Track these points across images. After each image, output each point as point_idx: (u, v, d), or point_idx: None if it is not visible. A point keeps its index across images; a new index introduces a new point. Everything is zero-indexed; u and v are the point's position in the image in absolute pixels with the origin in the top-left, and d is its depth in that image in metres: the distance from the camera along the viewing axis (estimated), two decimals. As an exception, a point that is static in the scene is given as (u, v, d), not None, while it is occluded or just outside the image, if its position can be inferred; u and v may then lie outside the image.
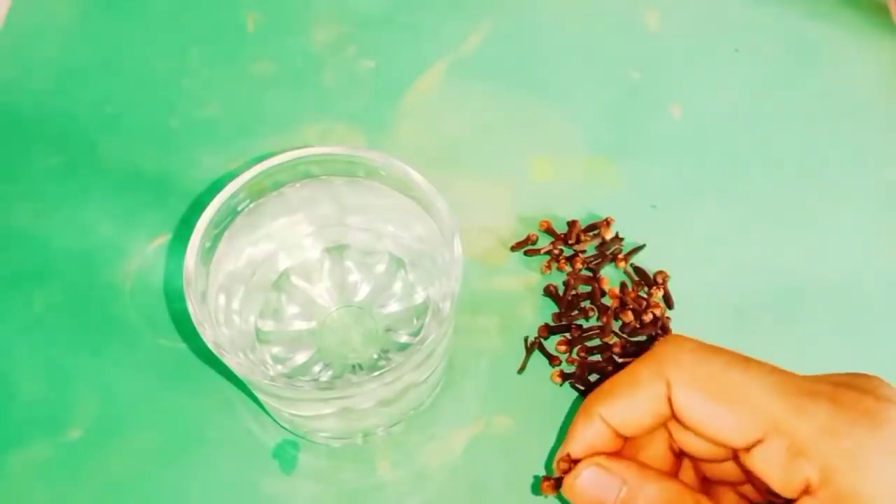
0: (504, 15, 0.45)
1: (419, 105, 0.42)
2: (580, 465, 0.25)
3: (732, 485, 0.27)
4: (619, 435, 0.26)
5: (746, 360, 0.24)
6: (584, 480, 0.25)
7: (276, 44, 0.43)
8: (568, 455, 0.26)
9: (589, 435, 0.26)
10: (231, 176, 0.30)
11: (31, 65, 0.43)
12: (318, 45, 0.43)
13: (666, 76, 0.43)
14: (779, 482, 0.23)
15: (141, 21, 0.44)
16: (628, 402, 0.25)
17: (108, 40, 0.43)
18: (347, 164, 0.30)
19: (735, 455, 0.25)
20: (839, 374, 0.24)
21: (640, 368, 0.25)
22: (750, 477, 0.26)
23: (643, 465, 0.25)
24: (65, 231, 0.38)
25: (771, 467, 0.23)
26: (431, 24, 0.44)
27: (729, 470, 0.27)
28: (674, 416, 0.25)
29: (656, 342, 0.26)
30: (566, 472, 0.26)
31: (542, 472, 0.33)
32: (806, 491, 0.22)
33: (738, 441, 0.23)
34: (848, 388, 0.23)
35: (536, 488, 0.32)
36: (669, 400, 0.25)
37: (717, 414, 0.24)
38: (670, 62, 0.43)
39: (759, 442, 0.23)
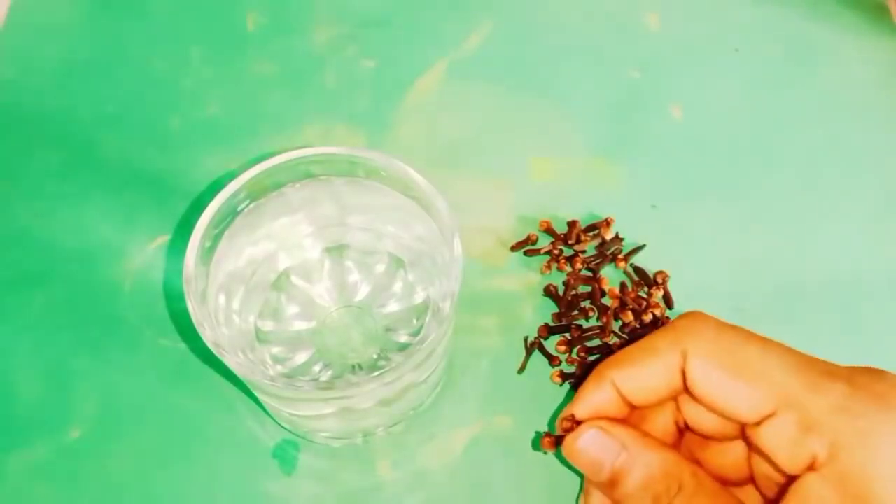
0: (504, 15, 0.45)
1: (419, 105, 0.42)
2: (582, 426, 0.26)
3: (731, 484, 0.27)
4: (627, 403, 0.26)
5: (765, 339, 0.24)
6: (584, 441, 0.25)
7: (277, 44, 0.43)
8: (572, 415, 0.26)
9: (597, 398, 0.26)
10: (231, 176, 0.30)
11: (32, 64, 0.43)
12: (318, 45, 0.43)
13: (666, 76, 0.43)
14: (785, 457, 0.23)
15: (141, 21, 0.44)
16: (642, 370, 0.25)
17: (108, 40, 0.43)
18: (348, 164, 0.30)
19: (741, 433, 0.25)
20: (853, 366, 0.24)
21: (658, 338, 0.26)
22: (752, 460, 0.26)
23: (645, 433, 0.25)
24: (65, 231, 0.38)
25: (779, 442, 0.23)
26: (431, 24, 0.44)
27: (728, 463, 0.27)
28: (686, 390, 0.25)
29: (676, 318, 0.26)
30: (568, 431, 0.26)
31: (542, 472, 0.33)
32: (811, 467, 0.22)
33: (750, 415, 0.24)
34: (863, 373, 0.23)
35: (537, 487, 0.32)
36: (683, 373, 0.25)
37: (733, 386, 0.24)
38: (670, 62, 0.43)
39: (770, 416, 0.23)
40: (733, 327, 0.25)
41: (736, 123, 0.41)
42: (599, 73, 0.43)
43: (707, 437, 0.27)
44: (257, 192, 0.30)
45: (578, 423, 0.26)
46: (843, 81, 0.43)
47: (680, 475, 0.24)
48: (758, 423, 0.23)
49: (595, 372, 0.27)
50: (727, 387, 0.24)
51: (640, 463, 0.24)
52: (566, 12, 0.45)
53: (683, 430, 0.28)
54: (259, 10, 0.44)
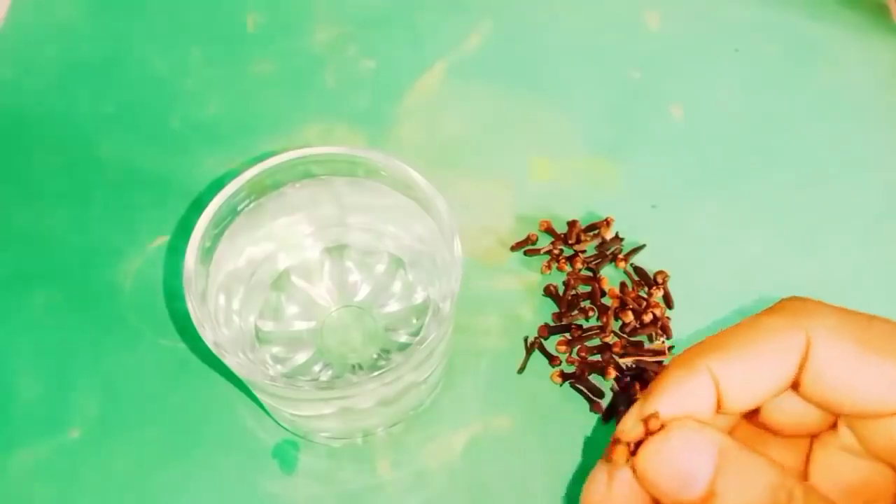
0: (504, 15, 0.45)
1: (419, 105, 0.42)
2: (671, 427, 0.19)
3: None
4: (718, 403, 0.21)
5: (883, 318, 0.20)
6: (675, 446, 0.19)
7: (277, 44, 0.43)
8: (657, 413, 0.20)
9: (687, 393, 0.20)
10: (231, 175, 0.30)
11: (31, 64, 0.43)
12: (318, 45, 0.43)
13: (666, 76, 0.43)
14: None
15: (141, 21, 0.44)
16: (752, 357, 0.20)
17: (108, 40, 0.43)
18: (348, 164, 0.30)
19: (832, 425, 0.21)
20: None
21: (767, 319, 0.21)
22: (813, 462, 0.22)
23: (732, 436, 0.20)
24: (65, 231, 0.38)
25: None
26: (431, 24, 0.44)
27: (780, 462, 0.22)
28: (795, 385, 0.21)
29: (777, 303, 0.21)
30: (652, 433, 0.19)
31: (541, 472, 0.33)
32: None
33: (892, 402, 0.19)
34: None
35: (536, 487, 0.32)
36: (802, 363, 0.20)
37: (872, 368, 0.19)
38: (670, 62, 0.43)
39: None
40: (846, 309, 0.21)
41: (736, 123, 0.41)
42: (599, 73, 0.43)
43: (773, 432, 0.23)
44: (257, 192, 0.30)
45: (663, 424, 0.20)
46: (844, 81, 0.43)
47: (787, 486, 0.19)
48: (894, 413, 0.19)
49: (681, 360, 0.21)
50: (864, 369, 0.19)
51: (742, 475, 0.19)
52: (566, 12, 0.45)
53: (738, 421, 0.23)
54: (259, 11, 0.44)
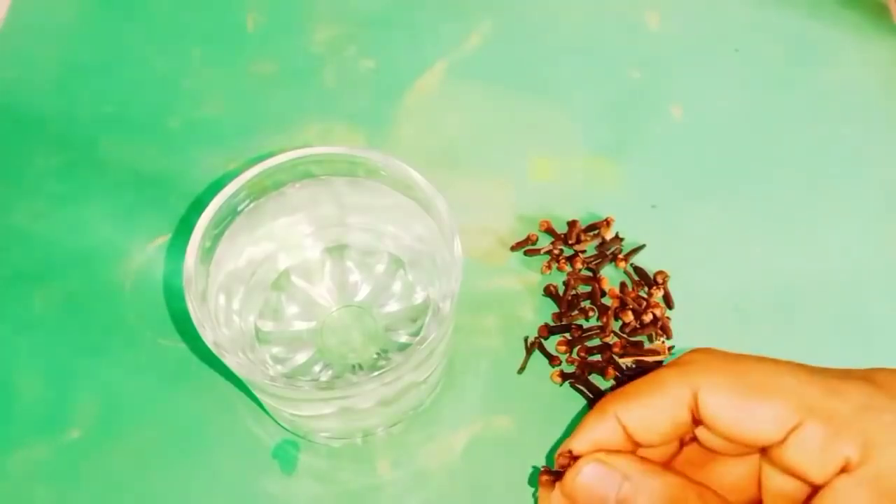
0: (504, 15, 0.45)
1: (419, 105, 0.42)
2: (581, 461, 0.25)
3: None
4: (630, 439, 0.25)
5: (772, 359, 0.24)
6: (584, 476, 0.24)
7: (276, 44, 0.43)
8: (569, 451, 0.26)
9: (599, 433, 0.25)
10: (231, 176, 0.30)
11: (31, 64, 0.43)
12: (318, 45, 0.43)
13: (666, 76, 0.43)
14: (816, 467, 0.22)
15: (141, 21, 0.44)
16: (649, 405, 0.25)
17: (108, 40, 0.43)
18: (348, 164, 0.30)
19: (762, 451, 0.25)
20: (867, 368, 0.24)
21: (665, 374, 0.25)
22: (763, 475, 0.26)
23: (644, 459, 0.25)
24: (65, 231, 0.38)
25: (807, 454, 0.22)
26: (431, 24, 0.44)
27: (732, 481, 0.27)
28: (696, 423, 0.25)
29: (683, 354, 0.26)
30: (565, 467, 0.25)
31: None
32: (843, 470, 0.22)
33: (775, 432, 0.23)
34: (879, 372, 0.23)
35: (535, 485, 0.32)
36: (692, 409, 0.24)
37: (752, 409, 0.23)
38: (670, 62, 0.43)
39: (795, 429, 0.23)
40: (738, 355, 0.25)
41: (736, 123, 0.41)
42: (599, 72, 0.43)
43: (717, 454, 0.26)
44: (257, 192, 0.30)
45: (575, 458, 0.25)
46: (843, 81, 0.43)
47: (686, 499, 0.24)
48: (783, 440, 0.23)
49: (597, 407, 0.26)
50: (746, 411, 0.23)
51: (645, 491, 0.24)
52: (566, 12, 0.45)
53: (686, 443, 0.27)
54: (259, 10, 0.44)
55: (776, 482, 0.25)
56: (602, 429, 0.25)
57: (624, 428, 0.25)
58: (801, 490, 0.24)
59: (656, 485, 0.24)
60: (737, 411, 0.23)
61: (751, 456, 0.26)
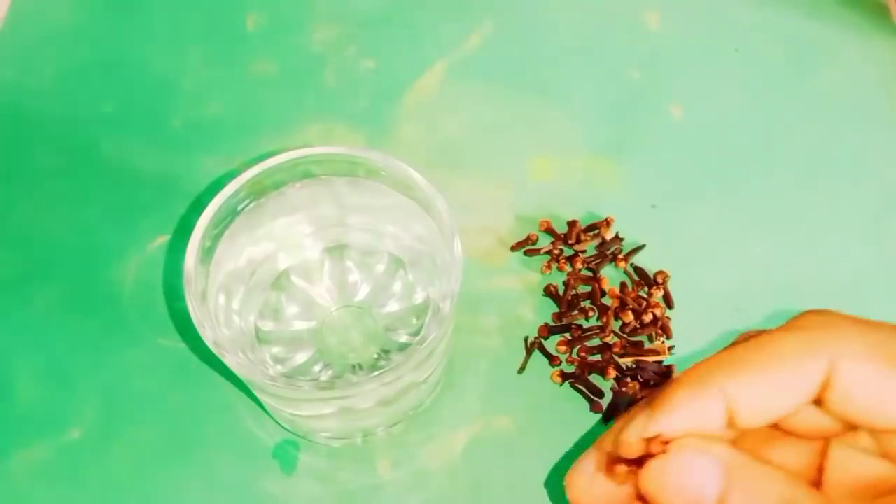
0: (504, 15, 0.45)
1: (419, 105, 0.42)
2: (673, 447, 0.19)
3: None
4: (731, 421, 0.20)
5: None
6: (680, 469, 0.19)
7: (276, 44, 0.43)
8: (660, 434, 0.19)
9: (696, 412, 0.19)
10: (231, 176, 0.30)
11: (31, 64, 0.43)
12: (318, 45, 0.43)
13: (666, 76, 0.43)
14: None
15: (141, 21, 0.44)
16: (770, 381, 0.20)
17: (108, 40, 0.43)
18: (348, 164, 0.30)
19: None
20: None
21: (783, 340, 0.20)
22: (828, 463, 0.22)
23: (740, 448, 0.20)
24: (65, 231, 0.38)
25: None
26: (431, 24, 0.44)
27: (793, 464, 0.22)
28: (817, 402, 0.20)
29: (795, 318, 0.21)
30: (649, 454, 0.19)
31: (542, 472, 0.33)
32: None
33: None
34: None
35: (536, 487, 0.32)
36: (823, 383, 0.20)
37: None
38: (670, 62, 0.43)
39: None
40: (868, 321, 0.21)
41: (736, 123, 0.41)
42: (599, 72, 0.43)
43: (791, 435, 0.22)
44: (257, 192, 0.30)
45: (666, 442, 0.19)
46: (844, 81, 0.43)
47: (797, 497, 0.19)
48: None
49: (691, 377, 0.20)
50: (892, 388, 0.19)
51: (749, 490, 0.19)
52: (566, 12, 0.45)
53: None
54: (259, 10, 0.44)
55: (852, 470, 0.21)
56: (700, 407, 0.20)
57: (728, 406, 0.20)
58: (880, 478, 0.20)
59: (763, 483, 0.19)
60: (882, 387, 0.19)
61: (815, 441, 0.22)
